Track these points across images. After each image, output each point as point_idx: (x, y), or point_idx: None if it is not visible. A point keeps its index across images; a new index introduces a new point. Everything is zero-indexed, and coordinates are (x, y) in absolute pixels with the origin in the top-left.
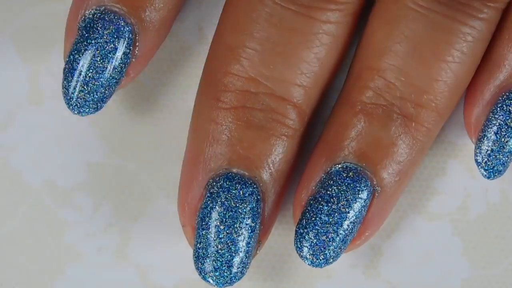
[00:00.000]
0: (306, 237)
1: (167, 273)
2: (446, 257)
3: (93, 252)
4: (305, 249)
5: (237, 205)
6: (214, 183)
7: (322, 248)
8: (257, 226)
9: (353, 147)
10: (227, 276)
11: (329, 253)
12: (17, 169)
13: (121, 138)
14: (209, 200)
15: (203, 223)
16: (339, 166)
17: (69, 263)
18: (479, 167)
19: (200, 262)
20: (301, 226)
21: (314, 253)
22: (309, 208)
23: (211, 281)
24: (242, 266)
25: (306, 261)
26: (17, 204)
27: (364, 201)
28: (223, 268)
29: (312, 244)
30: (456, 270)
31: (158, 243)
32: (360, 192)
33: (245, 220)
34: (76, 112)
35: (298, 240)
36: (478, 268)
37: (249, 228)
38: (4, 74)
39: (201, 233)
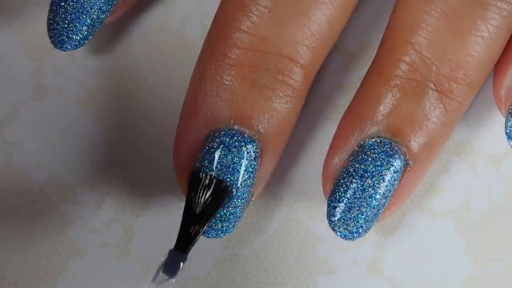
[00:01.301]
0: (339, 210)
1: None
2: (448, 255)
3: (97, 248)
4: (338, 222)
5: (234, 161)
6: (214, 137)
7: (355, 222)
8: (252, 182)
9: (387, 121)
10: (218, 229)
11: (361, 225)
12: (21, 165)
13: (124, 134)
14: (207, 153)
15: (197, 174)
16: (373, 140)
17: (73, 259)
18: (510, 140)
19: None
20: (334, 199)
21: (346, 226)
22: (342, 181)
23: (205, 232)
24: (235, 220)
25: (338, 234)
26: (20, 199)
27: (397, 175)
28: (216, 220)
29: (345, 217)
30: (458, 267)
31: (162, 239)
32: (393, 167)
33: (241, 175)
34: (58, 47)
35: (331, 213)
36: (480, 265)
37: (245, 184)
38: (8, 70)
39: (194, 182)
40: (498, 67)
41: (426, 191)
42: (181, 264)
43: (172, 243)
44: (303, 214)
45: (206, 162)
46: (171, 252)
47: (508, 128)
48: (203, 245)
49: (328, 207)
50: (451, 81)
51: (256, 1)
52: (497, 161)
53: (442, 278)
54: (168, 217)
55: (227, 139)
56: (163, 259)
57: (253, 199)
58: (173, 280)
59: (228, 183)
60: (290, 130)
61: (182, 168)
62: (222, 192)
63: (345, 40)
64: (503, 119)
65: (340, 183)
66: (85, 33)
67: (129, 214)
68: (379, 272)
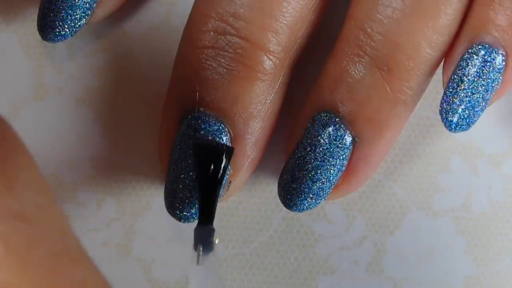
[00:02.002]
0: (290, 184)
1: (170, 268)
2: (449, 254)
3: (97, 248)
4: (287, 194)
5: (202, 143)
6: (183, 120)
7: (299, 194)
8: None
9: (334, 97)
10: (187, 212)
11: (307, 200)
12: None
13: (125, 134)
14: (177, 136)
15: (172, 158)
16: (322, 114)
17: None
18: (442, 118)
19: (166, 195)
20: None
21: (293, 199)
22: (298, 154)
23: (174, 215)
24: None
25: (289, 209)
26: None
27: (344, 151)
28: (186, 203)
29: (293, 190)
30: (459, 267)
31: (162, 238)
32: (339, 141)
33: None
34: (45, 38)
35: (281, 187)
36: (481, 265)
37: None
38: (8, 69)
39: (170, 168)
40: (450, 48)
41: (426, 191)
42: (212, 235)
43: (172, 243)
44: (303, 214)
45: (182, 145)
46: (197, 230)
47: (440, 105)
48: None
49: (279, 180)
50: (395, 61)
51: None
52: (497, 161)
53: (442, 278)
54: (168, 217)
55: (193, 122)
56: (194, 239)
57: (230, 185)
58: (213, 252)
59: (225, 142)
60: (264, 117)
61: (161, 150)
62: (225, 152)
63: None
64: (504, 119)
65: (295, 157)
66: (73, 22)
67: (130, 213)
68: (380, 272)
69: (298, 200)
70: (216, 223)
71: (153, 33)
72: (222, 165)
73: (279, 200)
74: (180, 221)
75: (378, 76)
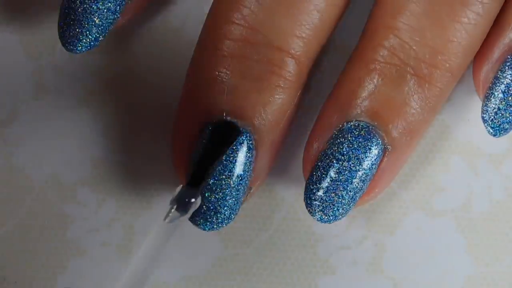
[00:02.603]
0: (316, 193)
1: (170, 268)
2: (449, 254)
3: (97, 248)
4: (315, 205)
5: (229, 152)
6: (207, 129)
7: (332, 205)
8: (248, 174)
9: (366, 105)
10: (213, 221)
11: (338, 209)
12: (21, 164)
13: (124, 134)
14: (201, 145)
15: (193, 167)
16: (351, 123)
17: (73, 259)
18: (486, 124)
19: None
20: (311, 181)
21: (323, 209)
22: (319, 163)
23: (198, 224)
24: (230, 212)
25: (315, 217)
26: (20, 199)
27: (375, 160)
28: (210, 212)
29: (322, 200)
30: (459, 267)
31: None
32: (371, 151)
33: (235, 168)
34: (69, 48)
35: (307, 196)
36: (481, 265)
37: (239, 176)
38: (9, 70)
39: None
40: (478, 52)
41: (427, 191)
42: (193, 200)
43: (171, 244)
44: (303, 214)
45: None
46: (183, 188)
47: (485, 113)
48: (203, 245)
49: (305, 189)
50: (430, 66)
51: None
52: (497, 160)
53: (442, 278)
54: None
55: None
56: (173, 195)
57: (251, 191)
58: (185, 216)
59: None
60: (286, 123)
61: (179, 161)
62: (230, 130)
63: (346, 39)
64: None
65: (318, 166)
66: (95, 34)
67: (130, 214)
68: (380, 272)
69: (331, 212)
70: None
71: (153, 34)
72: (231, 147)
73: (279, 201)
74: (207, 230)
75: (417, 86)
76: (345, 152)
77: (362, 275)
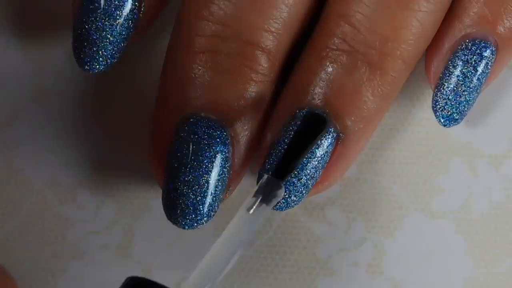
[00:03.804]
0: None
1: (170, 270)
2: (449, 255)
3: (97, 250)
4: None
5: (204, 148)
6: (182, 126)
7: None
8: (225, 170)
9: (317, 93)
10: (193, 218)
11: (291, 198)
12: (21, 166)
13: (124, 135)
14: (176, 142)
15: (170, 165)
16: (304, 111)
17: (73, 261)
18: (436, 114)
19: (166, 203)
20: (263, 170)
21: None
22: (272, 151)
23: (177, 222)
24: (209, 209)
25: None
26: (20, 201)
27: (327, 147)
28: (189, 209)
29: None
30: (459, 268)
31: (161, 240)
32: (323, 138)
33: (212, 164)
34: (86, 68)
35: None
36: (481, 266)
37: (217, 172)
38: (8, 72)
39: (168, 174)
40: (431, 42)
41: (426, 192)
42: (276, 191)
43: (172, 244)
44: (303, 214)
45: (183, 151)
46: (266, 179)
47: (435, 102)
48: (203, 246)
49: (258, 176)
50: (381, 53)
51: None
52: (497, 161)
53: (442, 279)
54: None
55: (194, 127)
56: (258, 187)
57: (230, 189)
58: (268, 207)
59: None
60: (262, 118)
61: (156, 157)
62: (321, 127)
63: None
64: (504, 119)
65: (271, 154)
66: (111, 52)
67: (129, 215)
68: (380, 273)
69: (283, 200)
70: (216, 224)
71: (152, 36)
72: (318, 138)
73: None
74: (184, 228)
75: (369, 73)
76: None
77: (362, 276)
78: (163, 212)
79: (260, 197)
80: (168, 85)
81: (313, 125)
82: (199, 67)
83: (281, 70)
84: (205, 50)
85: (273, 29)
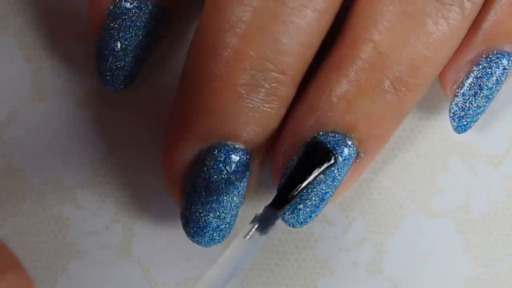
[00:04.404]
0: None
1: (170, 270)
2: (449, 255)
3: (97, 250)
4: (288, 214)
5: (228, 175)
6: (207, 153)
7: (303, 211)
8: (243, 192)
9: (343, 117)
10: (214, 238)
11: (309, 215)
12: (21, 166)
13: (124, 135)
14: (199, 169)
15: (192, 189)
16: (327, 135)
17: (73, 261)
18: (453, 123)
19: (188, 225)
20: (283, 190)
21: (296, 218)
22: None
23: (199, 242)
24: (229, 227)
25: (288, 224)
26: (20, 201)
27: (348, 167)
28: (209, 231)
29: (294, 207)
30: (458, 267)
31: (162, 240)
32: (343, 159)
33: (233, 189)
34: (111, 89)
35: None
36: (480, 265)
37: (236, 195)
38: (8, 72)
39: (189, 199)
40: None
41: (426, 191)
42: (274, 222)
43: (172, 244)
44: None
45: (200, 173)
46: (266, 209)
47: (453, 112)
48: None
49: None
50: (408, 79)
51: (236, 17)
52: (497, 161)
53: (442, 278)
54: (168, 218)
55: (222, 155)
56: (257, 214)
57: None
58: (264, 236)
59: (331, 150)
60: (275, 135)
61: (174, 180)
62: (324, 160)
63: None
64: (503, 119)
65: (287, 172)
66: (134, 69)
67: (129, 215)
68: (379, 273)
69: (303, 219)
70: None
71: None
72: (322, 169)
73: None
74: (207, 246)
75: (395, 98)
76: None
77: (362, 276)
78: (162, 211)
79: (256, 225)
80: (192, 110)
81: (317, 154)
82: (225, 96)
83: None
84: (230, 80)
85: (295, 53)
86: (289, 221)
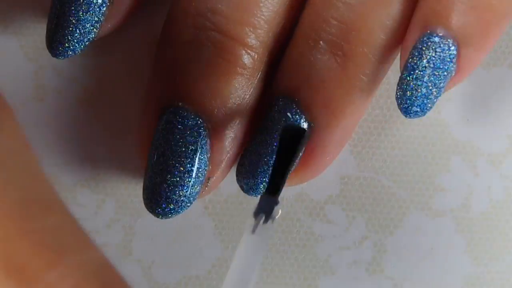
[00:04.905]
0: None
1: (170, 269)
2: (449, 254)
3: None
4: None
5: (180, 138)
6: (162, 116)
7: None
8: (203, 161)
9: (291, 82)
10: (165, 207)
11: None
12: None
13: (125, 134)
14: (157, 133)
15: (150, 154)
16: (280, 99)
17: None
18: (398, 103)
19: (145, 191)
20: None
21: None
22: (259, 139)
23: (152, 211)
24: (186, 200)
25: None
26: None
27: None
28: (163, 198)
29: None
30: (459, 266)
31: (162, 239)
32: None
33: (187, 154)
34: (54, 54)
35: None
36: (481, 264)
37: (192, 162)
38: (8, 71)
39: (148, 163)
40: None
41: (426, 191)
42: (274, 207)
43: (172, 243)
44: (303, 213)
45: (160, 140)
46: (263, 199)
47: (395, 93)
48: (203, 245)
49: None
50: (346, 44)
51: None
52: (497, 160)
53: (442, 278)
54: (169, 218)
55: (172, 118)
56: (255, 208)
57: (209, 181)
58: (272, 224)
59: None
60: (243, 113)
61: (141, 144)
62: (301, 135)
63: None
64: (503, 119)
65: (257, 142)
66: (82, 36)
67: (130, 214)
68: (380, 272)
69: (255, 185)
70: (216, 223)
71: (152, 33)
72: (299, 146)
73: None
74: (158, 217)
75: (333, 62)
76: (269, 126)
77: (362, 275)
78: None
79: (262, 217)
80: (153, 74)
81: (293, 136)
82: (181, 57)
83: (266, 67)
84: (188, 40)
85: (257, 26)
86: (246, 189)
